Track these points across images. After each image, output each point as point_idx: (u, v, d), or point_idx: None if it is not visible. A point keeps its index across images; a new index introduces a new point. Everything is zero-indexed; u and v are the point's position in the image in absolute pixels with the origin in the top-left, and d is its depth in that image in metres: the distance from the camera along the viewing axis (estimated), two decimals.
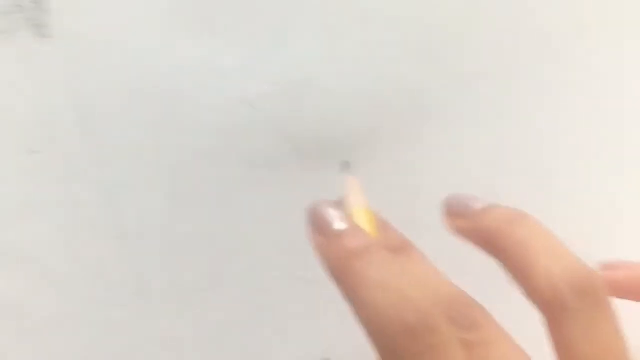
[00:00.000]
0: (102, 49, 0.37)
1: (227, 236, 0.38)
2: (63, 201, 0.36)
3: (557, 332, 0.23)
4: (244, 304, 0.38)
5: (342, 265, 0.24)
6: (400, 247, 0.27)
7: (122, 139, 0.37)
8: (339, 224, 0.27)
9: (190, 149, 0.37)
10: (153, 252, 0.37)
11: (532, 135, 0.41)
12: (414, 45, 0.39)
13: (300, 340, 0.39)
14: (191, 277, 0.38)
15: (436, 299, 0.22)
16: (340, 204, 0.29)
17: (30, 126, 0.36)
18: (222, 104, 0.37)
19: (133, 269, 0.37)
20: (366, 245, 0.25)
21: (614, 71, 0.42)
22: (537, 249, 0.24)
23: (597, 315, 0.23)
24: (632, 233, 0.43)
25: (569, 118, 0.42)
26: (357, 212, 0.29)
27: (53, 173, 0.36)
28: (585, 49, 0.41)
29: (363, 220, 0.29)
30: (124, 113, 0.37)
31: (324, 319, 0.39)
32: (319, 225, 0.27)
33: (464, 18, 0.40)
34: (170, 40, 0.37)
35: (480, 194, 0.29)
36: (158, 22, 0.37)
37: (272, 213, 0.38)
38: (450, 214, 0.29)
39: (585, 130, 0.42)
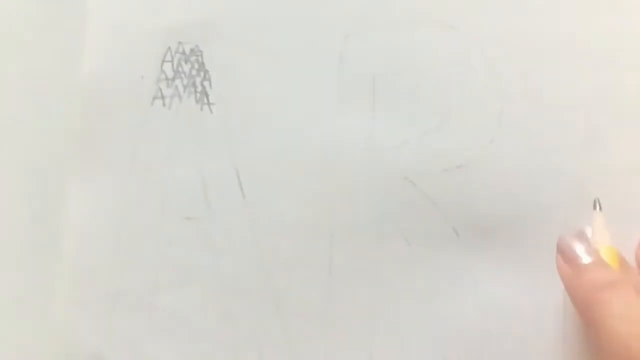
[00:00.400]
0: (263, 120, 0.36)
1: (382, 312, 0.37)
2: (218, 270, 0.37)
3: None
4: None
5: (588, 296, 0.28)
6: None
7: (280, 210, 0.36)
8: (586, 258, 0.30)
9: (349, 223, 0.36)
10: (308, 325, 0.36)
11: None
12: (579, 134, 0.36)
13: None
14: (343, 354, 0.37)
15: None
16: (586, 238, 0.32)
17: (190, 192, 0.37)
18: (382, 180, 0.36)
19: (287, 342, 0.37)
20: (612, 280, 0.28)
21: None
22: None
23: None
24: None
25: None
26: (602, 247, 0.32)
27: (210, 241, 0.37)
28: None
29: (607, 256, 0.31)
30: (283, 185, 0.36)
31: None
32: (567, 257, 0.31)
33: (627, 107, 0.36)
34: (331, 114, 0.36)
35: None
36: (320, 95, 0.36)
37: (425, 291, 0.36)
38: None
39: None
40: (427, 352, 0.37)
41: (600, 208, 0.34)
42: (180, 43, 0.37)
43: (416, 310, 0.37)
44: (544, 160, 0.36)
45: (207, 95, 0.37)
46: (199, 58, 0.37)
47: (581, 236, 0.32)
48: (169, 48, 0.37)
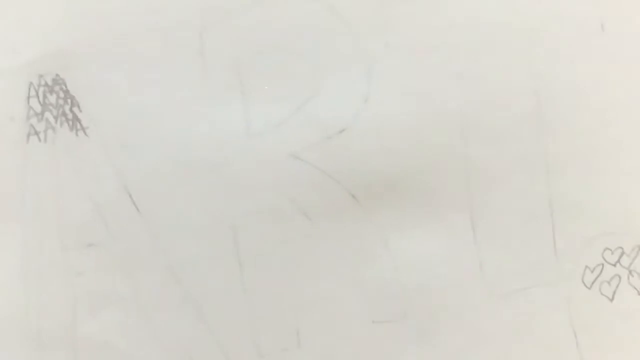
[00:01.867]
0: (139, 132, 0.36)
1: (300, 291, 0.37)
2: (132, 289, 0.36)
3: None
4: (327, 357, 0.37)
5: None
6: None
7: (178, 216, 0.36)
8: None
9: (248, 211, 0.36)
10: (232, 321, 0.37)
11: None
12: (449, 71, 0.36)
13: None
14: (271, 339, 0.37)
15: None
16: None
17: (85, 220, 0.37)
18: (270, 163, 0.36)
19: (216, 343, 0.37)
20: None
21: None
22: None
23: None
24: None
25: None
26: None
27: (116, 263, 0.37)
28: None
29: None
30: (175, 190, 0.36)
31: (407, 357, 0.37)
32: None
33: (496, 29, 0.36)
34: (203, 111, 0.36)
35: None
36: (189, 95, 0.36)
37: (340, 262, 0.37)
38: None
39: None
40: (354, 320, 0.37)
41: None
42: (41, 76, 0.37)
43: (334, 281, 0.37)
44: (420, 106, 0.37)
45: (79, 121, 0.37)
46: (63, 86, 0.37)
47: None
48: (31, 83, 0.37)
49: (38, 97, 0.37)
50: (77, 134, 0.37)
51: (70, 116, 0.37)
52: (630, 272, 0.37)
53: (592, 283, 0.37)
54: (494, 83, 0.37)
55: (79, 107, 0.37)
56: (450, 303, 0.37)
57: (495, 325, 0.37)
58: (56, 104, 0.37)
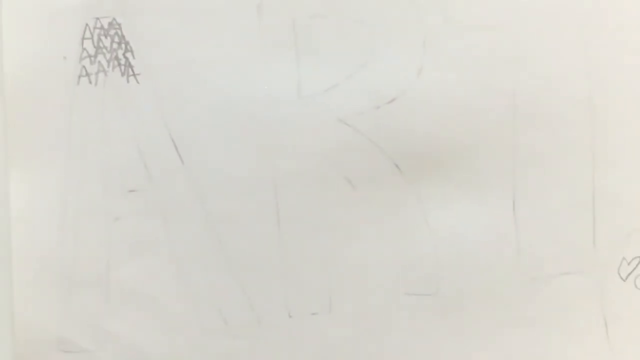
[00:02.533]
0: (190, 82, 0.36)
1: (335, 256, 0.37)
2: (168, 237, 0.37)
3: None
4: (357, 324, 0.37)
5: None
6: None
7: (220, 169, 0.36)
8: None
9: (291, 172, 0.36)
10: (265, 279, 0.37)
11: None
12: (505, 50, 0.36)
13: (415, 355, 0.37)
14: (302, 301, 0.37)
15: None
16: None
17: (129, 165, 0.37)
18: (317, 126, 0.36)
19: (247, 298, 0.37)
20: None
21: None
22: None
23: None
24: None
25: None
26: None
27: (156, 210, 0.37)
28: None
29: None
30: (220, 144, 0.36)
31: (435, 332, 0.37)
32: None
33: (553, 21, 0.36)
34: (257, 67, 0.36)
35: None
36: (244, 50, 0.36)
37: (378, 231, 0.37)
38: None
39: None
40: (387, 290, 0.37)
41: None
42: (97, 18, 0.37)
43: (370, 249, 0.37)
44: (473, 82, 0.36)
45: (131, 67, 0.37)
46: (118, 31, 0.37)
47: None
48: (87, 25, 0.37)
49: (92, 40, 0.37)
50: (128, 80, 0.37)
51: (123, 61, 0.37)
52: None
53: (628, 275, 0.37)
54: (548, 66, 0.37)
55: (132, 53, 0.37)
56: (483, 282, 0.37)
57: (526, 308, 0.37)
58: (110, 47, 0.37)
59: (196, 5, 0.36)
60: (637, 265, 0.37)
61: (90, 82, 0.37)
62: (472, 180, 0.37)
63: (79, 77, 0.37)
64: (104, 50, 0.37)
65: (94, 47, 0.37)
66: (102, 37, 0.37)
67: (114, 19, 0.37)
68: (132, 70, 0.37)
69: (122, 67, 0.37)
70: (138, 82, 0.37)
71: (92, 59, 0.37)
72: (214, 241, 0.37)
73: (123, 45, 0.37)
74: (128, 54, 0.37)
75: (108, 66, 0.37)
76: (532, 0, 0.37)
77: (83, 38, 0.37)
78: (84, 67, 0.37)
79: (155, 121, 0.37)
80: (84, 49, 0.37)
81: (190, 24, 0.36)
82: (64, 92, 0.37)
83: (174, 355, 0.37)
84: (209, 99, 0.36)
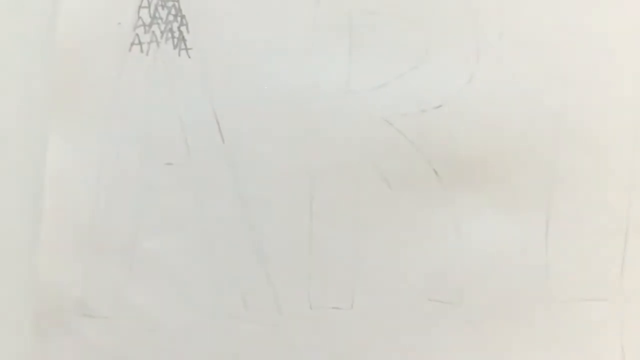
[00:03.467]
0: (240, 64, 0.36)
1: (363, 254, 0.37)
2: (200, 215, 0.37)
3: None
4: (377, 324, 0.37)
5: None
6: None
7: (260, 154, 0.36)
8: None
9: (329, 165, 0.36)
10: (291, 268, 0.37)
11: None
12: (558, 70, 0.36)
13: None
14: (325, 294, 0.37)
15: None
16: None
17: (169, 138, 0.37)
18: (361, 123, 0.36)
19: (270, 284, 0.37)
20: None
21: None
22: None
23: None
24: None
25: None
26: None
27: (191, 186, 0.37)
28: None
29: None
30: (263, 129, 0.36)
31: (453, 341, 0.37)
32: None
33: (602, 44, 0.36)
34: (308, 56, 0.36)
35: None
36: (297, 38, 0.36)
37: (409, 234, 0.37)
38: None
39: None
40: (411, 293, 0.37)
41: None
42: None
43: (399, 251, 0.37)
44: (523, 97, 0.36)
45: (184, 41, 0.37)
46: (176, 4, 0.37)
47: None
48: None
49: (149, 9, 0.37)
50: (179, 54, 0.37)
51: (177, 34, 0.37)
52: None
53: None
54: (596, 90, 0.37)
55: (187, 27, 0.37)
56: (508, 297, 0.37)
57: (547, 329, 0.37)
58: (166, 19, 0.37)
59: None
60: None
61: (141, 51, 0.37)
62: (508, 195, 0.37)
63: (131, 44, 0.37)
64: (159, 21, 0.37)
65: (150, 16, 0.37)
66: (159, 8, 0.37)
67: None
68: (185, 45, 0.37)
69: (175, 40, 0.37)
70: (189, 57, 0.37)
71: (147, 28, 0.37)
72: (244, 225, 0.37)
73: (179, 19, 0.37)
74: (183, 28, 0.37)
75: (161, 37, 0.37)
76: (587, 24, 0.37)
77: (140, 6, 0.37)
78: (137, 35, 0.37)
79: (201, 98, 0.37)
80: (139, 17, 0.37)
81: (247, 6, 0.37)
82: (114, 58, 0.37)
83: (190, 332, 0.37)
84: (256, 83, 0.37)
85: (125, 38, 0.37)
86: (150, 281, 0.37)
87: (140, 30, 0.37)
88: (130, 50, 0.37)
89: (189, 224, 0.37)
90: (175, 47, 0.37)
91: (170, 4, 0.37)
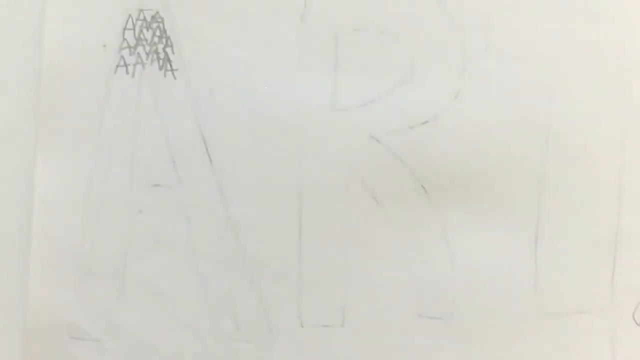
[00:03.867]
0: (226, 84, 0.36)
1: (353, 270, 0.37)
2: (189, 236, 0.37)
3: None
4: (368, 341, 0.37)
5: None
6: None
7: (248, 173, 0.36)
8: None
9: (318, 184, 0.36)
10: (281, 287, 0.37)
11: None
12: (543, 83, 0.36)
13: None
14: (316, 312, 0.37)
15: None
16: None
17: (157, 160, 0.37)
18: (348, 140, 0.36)
19: (261, 304, 0.37)
20: None
21: None
22: None
23: None
24: None
25: None
26: None
27: (179, 207, 0.37)
28: None
29: None
30: (250, 148, 0.36)
31: (444, 356, 0.37)
32: None
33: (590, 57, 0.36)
34: (294, 75, 0.36)
35: None
36: (283, 57, 0.36)
37: (398, 250, 0.37)
38: None
39: None
40: (401, 310, 0.37)
41: None
42: (141, 10, 0.37)
43: (388, 267, 0.37)
44: (509, 111, 0.36)
45: (170, 62, 0.37)
46: (161, 25, 0.37)
47: None
48: (130, 16, 0.37)
49: (134, 31, 0.37)
50: (165, 75, 0.37)
51: (162, 55, 0.37)
52: None
53: None
54: (583, 103, 0.37)
55: (172, 48, 0.37)
56: (498, 312, 0.37)
57: (538, 342, 0.37)
58: (151, 41, 0.37)
59: (240, 7, 0.37)
60: None
61: (127, 73, 0.37)
62: (497, 210, 0.37)
63: (117, 66, 0.37)
64: (144, 43, 0.37)
65: (135, 38, 0.37)
66: (144, 29, 0.37)
67: (158, 12, 0.37)
68: (170, 65, 0.37)
69: (161, 61, 0.37)
70: (175, 78, 0.37)
71: (132, 50, 0.37)
72: (233, 244, 0.37)
73: (164, 40, 0.37)
74: (168, 49, 0.37)
75: (147, 59, 0.37)
76: (573, 37, 0.37)
77: (125, 28, 0.37)
78: (122, 57, 0.37)
79: (188, 118, 0.37)
80: (124, 39, 0.37)
81: (232, 25, 0.37)
82: (100, 80, 0.37)
83: (183, 353, 0.37)
84: (243, 102, 0.37)
85: (110, 60, 0.37)
86: (141, 303, 0.37)
87: (126, 52, 0.37)
88: (115, 72, 0.37)
89: (178, 245, 0.37)
90: (160, 68, 0.37)
91: (155, 25, 0.37)
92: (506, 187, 0.37)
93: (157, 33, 0.37)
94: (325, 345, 0.37)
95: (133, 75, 0.37)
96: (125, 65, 0.37)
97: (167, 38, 0.37)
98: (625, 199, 0.37)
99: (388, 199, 0.37)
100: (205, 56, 0.37)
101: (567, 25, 0.36)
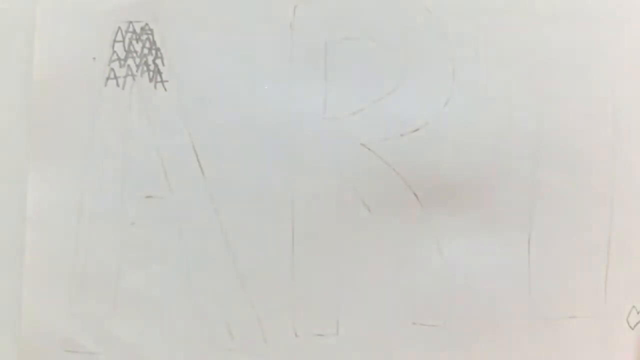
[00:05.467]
0: (217, 95, 0.36)
1: (346, 279, 0.37)
2: (182, 248, 0.37)
3: None
4: (363, 349, 0.37)
5: None
6: None
7: (240, 184, 0.36)
8: None
9: (310, 193, 0.36)
10: (275, 296, 0.37)
11: None
12: (533, 89, 0.36)
13: None
14: (310, 322, 0.37)
15: None
16: None
17: (149, 171, 0.37)
18: (340, 149, 0.36)
19: (255, 314, 0.37)
20: None
21: None
22: None
23: None
24: None
25: None
26: None
27: (172, 219, 0.37)
28: None
29: None
30: (242, 159, 0.37)
31: None
32: None
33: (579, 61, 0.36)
34: (284, 85, 0.36)
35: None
36: (273, 67, 0.36)
37: (391, 258, 0.37)
38: None
39: None
40: (395, 317, 0.37)
41: None
42: (130, 22, 0.37)
43: (381, 276, 0.37)
44: (500, 118, 0.37)
45: (160, 73, 0.37)
46: (150, 37, 0.37)
47: None
48: (119, 28, 0.37)
49: (124, 43, 0.37)
50: (155, 86, 0.37)
51: (152, 67, 0.37)
52: None
53: (636, 325, 0.37)
54: (573, 109, 0.37)
55: (162, 60, 0.37)
56: (492, 318, 0.37)
57: (533, 347, 0.37)
58: (140, 53, 0.37)
59: (229, 19, 0.37)
60: None
61: (117, 85, 0.37)
62: (489, 216, 0.37)
63: (107, 79, 0.37)
64: (134, 55, 0.37)
65: (125, 50, 0.37)
66: (134, 42, 0.37)
67: (147, 24, 0.37)
68: (161, 77, 0.37)
69: (151, 73, 0.37)
70: (165, 90, 0.37)
71: (122, 62, 0.37)
72: (226, 255, 0.37)
73: (154, 52, 0.37)
74: (158, 61, 0.37)
75: (137, 71, 0.37)
76: (563, 42, 0.37)
77: (114, 41, 0.37)
78: (112, 69, 0.37)
79: (179, 130, 0.37)
80: (114, 51, 0.37)
81: (222, 36, 0.37)
82: (90, 92, 0.37)
83: None
84: (234, 113, 0.37)
85: (101, 73, 0.37)
86: (135, 315, 0.37)
87: (116, 65, 0.37)
88: (106, 84, 0.37)
89: (171, 256, 0.37)
90: (151, 80, 0.37)
91: (144, 37, 0.37)
92: (498, 193, 0.37)
93: (147, 45, 0.37)
94: (320, 354, 0.37)
95: (123, 87, 0.37)
96: (116, 77, 0.37)
97: (157, 50, 0.37)
98: (617, 203, 0.37)
99: (380, 207, 0.37)
100: (195, 67, 0.37)
101: (556, 30, 0.37)
